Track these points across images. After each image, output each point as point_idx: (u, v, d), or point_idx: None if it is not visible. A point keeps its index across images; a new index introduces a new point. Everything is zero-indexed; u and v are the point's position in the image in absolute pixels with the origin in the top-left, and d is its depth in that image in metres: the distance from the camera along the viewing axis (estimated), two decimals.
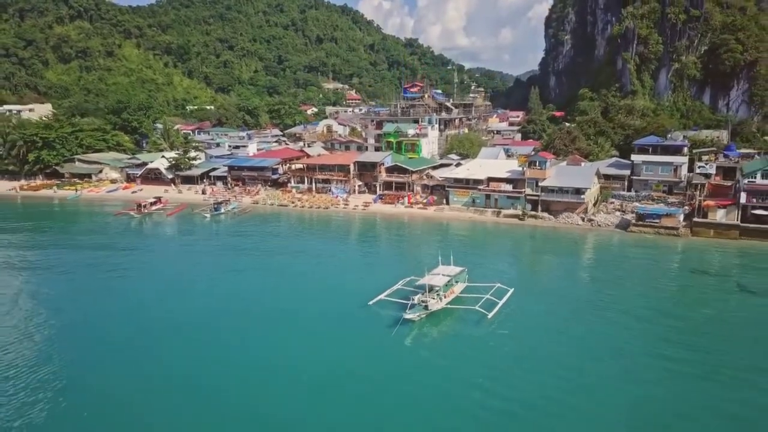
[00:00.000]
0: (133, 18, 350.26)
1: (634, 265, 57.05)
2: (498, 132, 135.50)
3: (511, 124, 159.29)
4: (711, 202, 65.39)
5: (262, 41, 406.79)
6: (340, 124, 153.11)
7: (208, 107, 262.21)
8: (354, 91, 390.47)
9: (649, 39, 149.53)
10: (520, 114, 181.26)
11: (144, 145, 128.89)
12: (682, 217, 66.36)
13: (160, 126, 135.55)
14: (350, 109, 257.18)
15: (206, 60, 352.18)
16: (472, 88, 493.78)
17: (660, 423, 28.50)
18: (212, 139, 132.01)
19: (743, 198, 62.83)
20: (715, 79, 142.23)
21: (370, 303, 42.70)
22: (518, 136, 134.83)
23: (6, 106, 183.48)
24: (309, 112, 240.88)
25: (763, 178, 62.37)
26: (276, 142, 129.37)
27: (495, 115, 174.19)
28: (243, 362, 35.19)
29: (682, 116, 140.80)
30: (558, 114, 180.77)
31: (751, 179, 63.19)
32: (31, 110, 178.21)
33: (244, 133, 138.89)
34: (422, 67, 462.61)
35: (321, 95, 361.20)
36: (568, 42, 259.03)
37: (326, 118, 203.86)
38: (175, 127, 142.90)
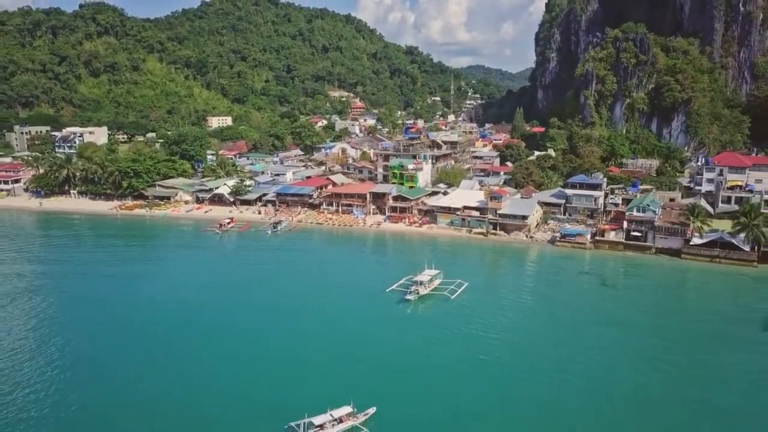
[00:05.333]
0: (155, 33, 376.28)
1: (550, 267, 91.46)
2: (480, 157, 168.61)
3: (495, 146, 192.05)
4: (606, 226, 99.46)
5: (271, 51, 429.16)
6: (353, 147, 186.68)
7: (228, 120, 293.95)
8: (358, 99, 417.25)
9: (606, 79, 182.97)
10: (502, 136, 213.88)
11: (197, 168, 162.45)
12: (589, 236, 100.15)
13: (210, 152, 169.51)
14: (356, 123, 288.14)
15: (221, 71, 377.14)
16: (469, 94, 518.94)
17: (515, 337, 62.40)
18: (251, 163, 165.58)
19: (626, 224, 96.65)
20: (659, 112, 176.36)
21: (387, 290, 76.24)
22: (497, 161, 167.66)
23: (69, 129, 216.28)
24: (318, 125, 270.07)
25: (637, 212, 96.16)
26: (304, 166, 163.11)
27: (480, 139, 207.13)
28: (316, 320, 69.07)
29: (633, 142, 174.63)
30: (538, 130, 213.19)
31: (630, 212, 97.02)
32: (91, 133, 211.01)
33: (277, 158, 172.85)
34: (422, 75, 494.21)
35: (328, 103, 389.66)
36: (554, 59, 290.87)
37: (339, 136, 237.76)
38: (220, 152, 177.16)
